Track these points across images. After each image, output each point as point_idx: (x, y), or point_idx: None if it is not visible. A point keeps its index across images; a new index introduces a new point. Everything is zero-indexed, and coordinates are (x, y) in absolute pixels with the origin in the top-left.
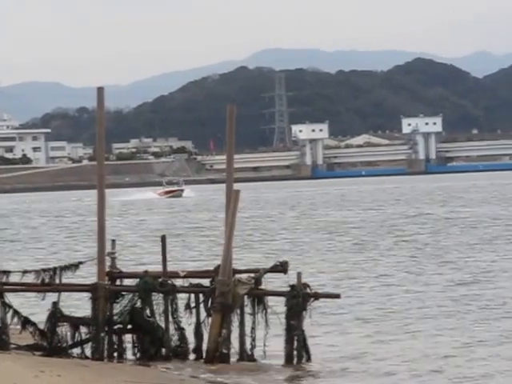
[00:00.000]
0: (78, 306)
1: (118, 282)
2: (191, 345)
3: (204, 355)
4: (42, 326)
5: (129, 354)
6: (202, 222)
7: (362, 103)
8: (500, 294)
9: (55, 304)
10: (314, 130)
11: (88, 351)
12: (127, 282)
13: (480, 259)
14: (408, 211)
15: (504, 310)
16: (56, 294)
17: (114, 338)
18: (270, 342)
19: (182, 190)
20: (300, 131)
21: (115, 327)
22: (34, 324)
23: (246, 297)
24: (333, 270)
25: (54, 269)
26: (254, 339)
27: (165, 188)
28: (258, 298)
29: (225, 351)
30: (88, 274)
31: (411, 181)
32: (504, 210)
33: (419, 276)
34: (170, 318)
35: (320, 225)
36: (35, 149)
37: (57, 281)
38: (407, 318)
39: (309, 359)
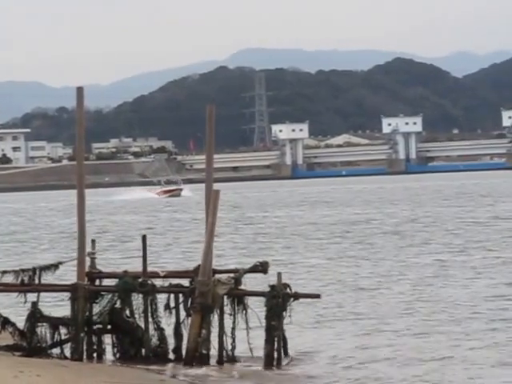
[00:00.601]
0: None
1: (97, 282)
2: (171, 345)
3: (184, 355)
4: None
5: (108, 355)
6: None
7: (342, 103)
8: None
9: (34, 304)
10: (294, 130)
11: (67, 351)
12: (107, 282)
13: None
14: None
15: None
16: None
17: (94, 339)
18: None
19: (181, 190)
20: (280, 131)
21: (95, 327)
22: (13, 324)
23: (225, 297)
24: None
25: (34, 269)
26: (234, 340)
27: (163, 187)
28: (238, 298)
29: (204, 351)
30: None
31: (391, 181)
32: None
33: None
34: (150, 319)
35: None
36: (15, 148)
37: (36, 281)
38: (376, 319)
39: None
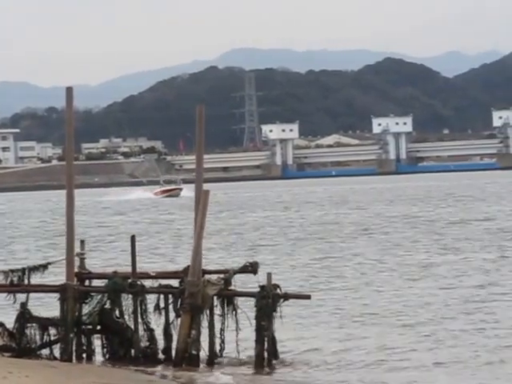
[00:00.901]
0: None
1: (86, 283)
2: (160, 346)
3: (173, 356)
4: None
5: (98, 355)
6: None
7: (332, 103)
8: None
9: (24, 305)
10: (284, 130)
11: (57, 352)
12: (96, 282)
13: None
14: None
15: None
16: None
17: (83, 339)
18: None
19: (180, 189)
20: (270, 131)
21: (84, 328)
22: (2, 325)
23: (215, 298)
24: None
25: (23, 269)
26: (223, 340)
27: (162, 187)
28: (228, 298)
29: (194, 352)
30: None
31: (381, 181)
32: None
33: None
34: (139, 319)
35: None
36: (4, 149)
37: (25, 281)
38: (360, 320)
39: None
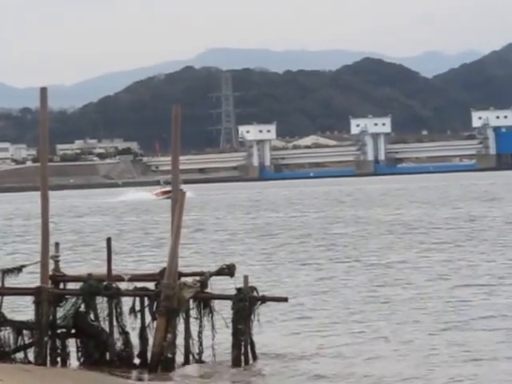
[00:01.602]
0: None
1: (61, 286)
2: (136, 349)
3: (149, 360)
4: None
5: (73, 359)
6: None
7: (310, 104)
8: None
9: None
10: (261, 131)
11: (31, 356)
12: (71, 285)
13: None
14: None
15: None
16: None
17: (58, 343)
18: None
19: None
20: (247, 132)
21: (59, 331)
22: None
23: (191, 300)
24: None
25: None
26: (201, 343)
27: (162, 188)
28: (204, 301)
29: (170, 355)
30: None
31: (359, 182)
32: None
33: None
34: (115, 322)
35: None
36: None
37: None
38: (329, 321)
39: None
